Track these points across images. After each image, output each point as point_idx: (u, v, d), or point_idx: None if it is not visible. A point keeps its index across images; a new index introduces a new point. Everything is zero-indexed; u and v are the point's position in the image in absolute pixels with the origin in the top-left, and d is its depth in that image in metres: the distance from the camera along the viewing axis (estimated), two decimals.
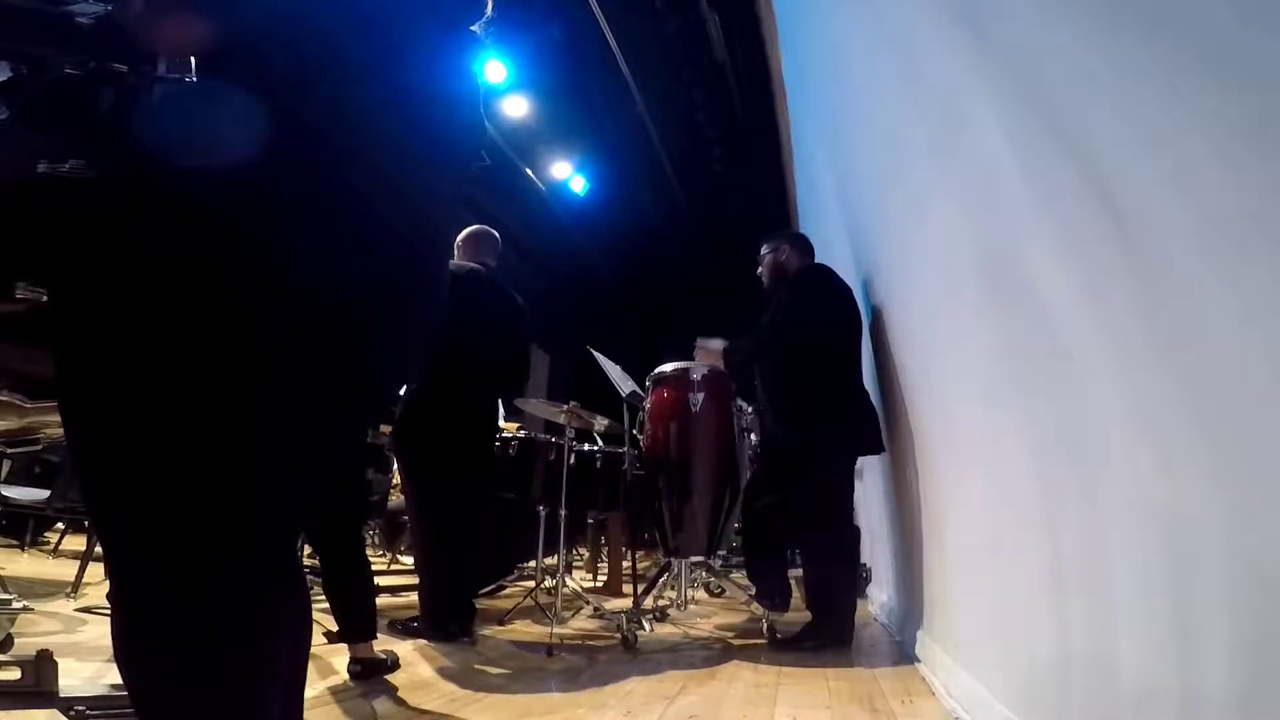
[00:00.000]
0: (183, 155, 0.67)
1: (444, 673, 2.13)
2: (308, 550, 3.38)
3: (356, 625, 2.00)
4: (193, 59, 0.72)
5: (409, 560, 4.46)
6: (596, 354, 3.44)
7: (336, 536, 2.04)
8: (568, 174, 7.19)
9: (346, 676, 1.97)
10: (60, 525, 4.05)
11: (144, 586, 0.69)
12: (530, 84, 5.92)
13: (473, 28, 0.97)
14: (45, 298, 0.73)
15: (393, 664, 2.05)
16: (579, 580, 4.22)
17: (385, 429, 3.22)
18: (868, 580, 4.16)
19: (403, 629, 2.59)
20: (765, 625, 2.75)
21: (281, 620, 0.76)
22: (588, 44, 5.47)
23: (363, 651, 1.99)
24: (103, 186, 0.70)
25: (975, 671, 1.72)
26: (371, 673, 1.98)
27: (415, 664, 2.21)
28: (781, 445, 2.86)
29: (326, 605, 2.05)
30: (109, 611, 0.69)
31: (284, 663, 0.77)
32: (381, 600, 3.10)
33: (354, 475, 2.24)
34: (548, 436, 3.37)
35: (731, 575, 3.61)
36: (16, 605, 1.76)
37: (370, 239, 0.78)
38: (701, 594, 4.15)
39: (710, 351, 3.01)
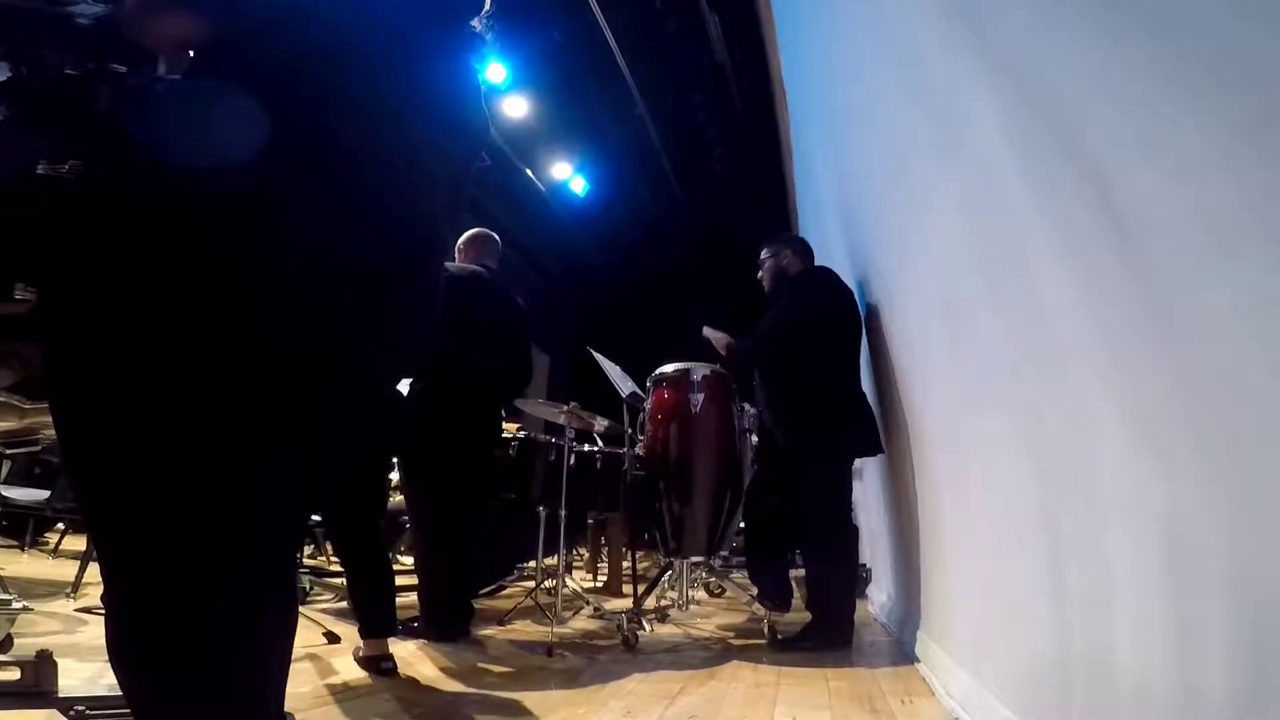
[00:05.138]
0: (181, 154, 0.67)
1: (444, 673, 2.13)
2: (308, 550, 3.38)
3: (370, 621, 2.08)
4: (188, 55, 0.72)
5: (409, 560, 4.46)
6: (596, 354, 3.43)
7: (355, 536, 2.15)
8: (568, 174, 7.19)
9: (346, 677, 1.97)
10: (60, 525, 4.05)
11: (144, 589, 0.68)
12: (530, 84, 5.92)
13: (472, 24, 0.97)
14: (37, 297, 0.72)
15: (388, 669, 2.06)
16: (579, 580, 4.22)
17: None
18: (868, 580, 4.16)
19: (403, 629, 2.59)
20: (766, 625, 2.75)
21: (278, 620, 0.76)
22: (588, 44, 5.48)
23: (371, 648, 2.04)
24: (101, 186, 0.70)
25: (975, 671, 1.72)
26: (368, 667, 2.02)
27: (415, 664, 2.21)
28: (781, 446, 2.86)
29: (325, 605, 2.06)
30: None
31: (279, 663, 0.77)
32: None
33: (374, 477, 2.29)
34: (548, 437, 3.37)
35: (732, 575, 3.61)
36: (16, 605, 1.76)
37: (369, 236, 0.77)
38: (702, 594, 4.15)
39: (716, 338, 3.02)
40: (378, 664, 2.02)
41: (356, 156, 0.76)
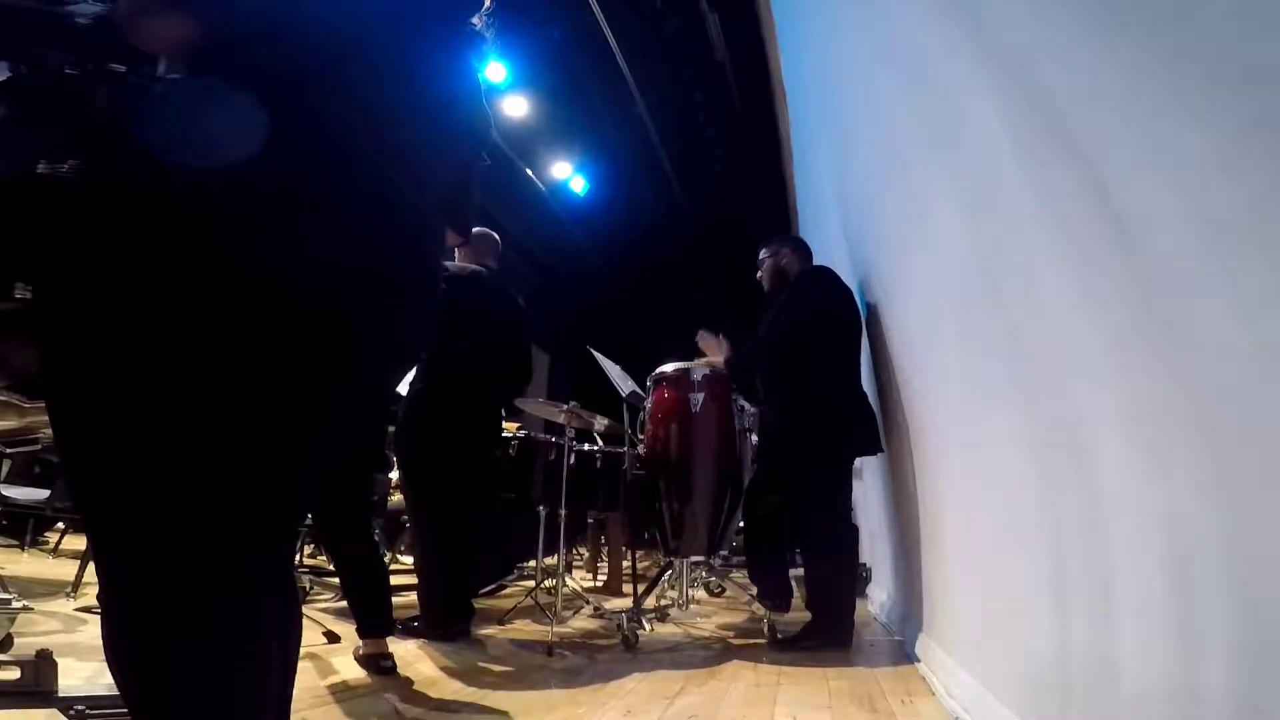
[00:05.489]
0: (181, 154, 0.67)
1: (445, 672, 2.14)
2: (308, 550, 3.38)
3: (366, 621, 2.09)
4: (186, 55, 0.72)
5: (409, 560, 4.46)
6: (596, 354, 3.44)
7: (347, 536, 2.14)
8: (568, 174, 7.19)
9: (346, 676, 1.97)
10: (60, 525, 4.05)
11: (142, 588, 0.68)
12: (530, 84, 5.92)
13: (473, 22, 0.97)
14: (35, 296, 0.72)
15: (387, 667, 2.06)
16: (579, 580, 4.22)
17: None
18: (868, 580, 4.16)
19: (403, 629, 2.59)
20: (766, 625, 2.75)
21: (276, 621, 0.76)
22: (588, 44, 5.47)
23: (369, 647, 2.05)
24: (101, 186, 0.70)
25: (975, 671, 1.72)
26: (367, 666, 2.03)
27: (416, 663, 2.21)
28: (781, 445, 2.86)
29: (325, 605, 2.06)
30: None
31: (276, 663, 0.77)
32: None
33: (363, 478, 2.29)
34: (548, 436, 3.37)
35: (732, 575, 3.61)
36: (16, 605, 1.76)
37: (368, 236, 0.77)
38: (702, 594, 4.15)
39: (710, 344, 3.01)
40: (376, 663, 2.02)
41: (356, 156, 0.76)
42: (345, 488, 2.15)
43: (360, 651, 2.06)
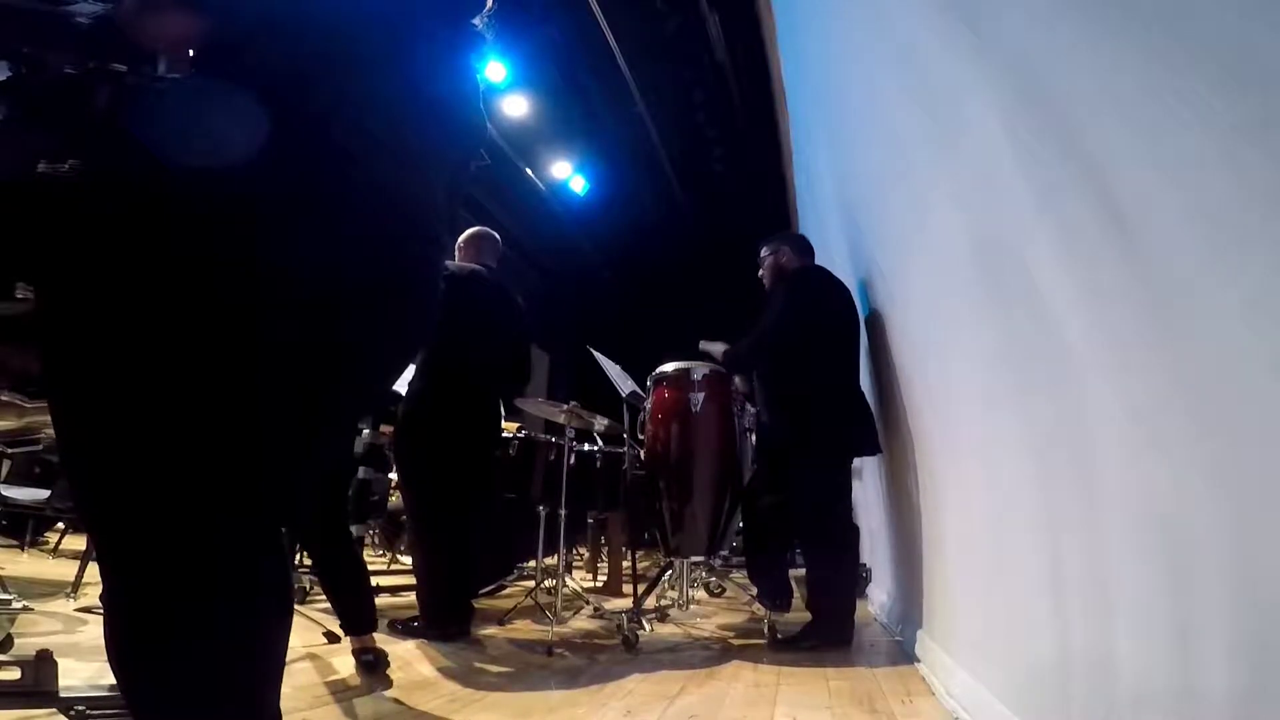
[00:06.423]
0: (181, 154, 0.67)
1: (444, 672, 2.13)
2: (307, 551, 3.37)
3: (349, 619, 2.08)
4: (190, 55, 0.72)
5: (409, 560, 4.46)
6: (596, 354, 3.44)
7: (327, 537, 2.13)
8: (568, 174, 7.20)
9: (346, 676, 1.97)
10: (60, 525, 4.05)
11: (144, 588, 0.68)
12: (530, 84, 5.92)
13: (474, 23, 0.97)
14: (35, 296, 0.72)
15: (368, 661, 2.06)
16: (579, 580, 4.22)
17: (386, 429, 3.22)
18: (868, 580, 4.16)
19: (403, 629, 2.59)
20: (766, 625, 2.75)
21: (275, 620, 0.76)
22: (587, 44, 5.48)
23: (355, 643, 2.05)
24: (101, 185, 0.70)
25: (975, 671, 1.72)
26: (361, 659, 2.03)
27: (415, 663, 2.21)
28: (779, 445, 2.86)
29: (325, 605, 2.06)
30: None
31: (277, 661, 0.77)
32: (381, 600, 3.10)
33: (340, 477, 2.28)
34: (548, 436, 3.37)
35: (732, 575, 3.61)
36: (16, 605, 1.76)
37: (368, 237, 0.78)
38: (702, 594, 4.15)
39: (713, 349, 3.03)
40: (359, 657, 2.03)
41: (356, 156, 0.76)
42: (324, 488, 2.14)
43: (368, 655, 2.05)
